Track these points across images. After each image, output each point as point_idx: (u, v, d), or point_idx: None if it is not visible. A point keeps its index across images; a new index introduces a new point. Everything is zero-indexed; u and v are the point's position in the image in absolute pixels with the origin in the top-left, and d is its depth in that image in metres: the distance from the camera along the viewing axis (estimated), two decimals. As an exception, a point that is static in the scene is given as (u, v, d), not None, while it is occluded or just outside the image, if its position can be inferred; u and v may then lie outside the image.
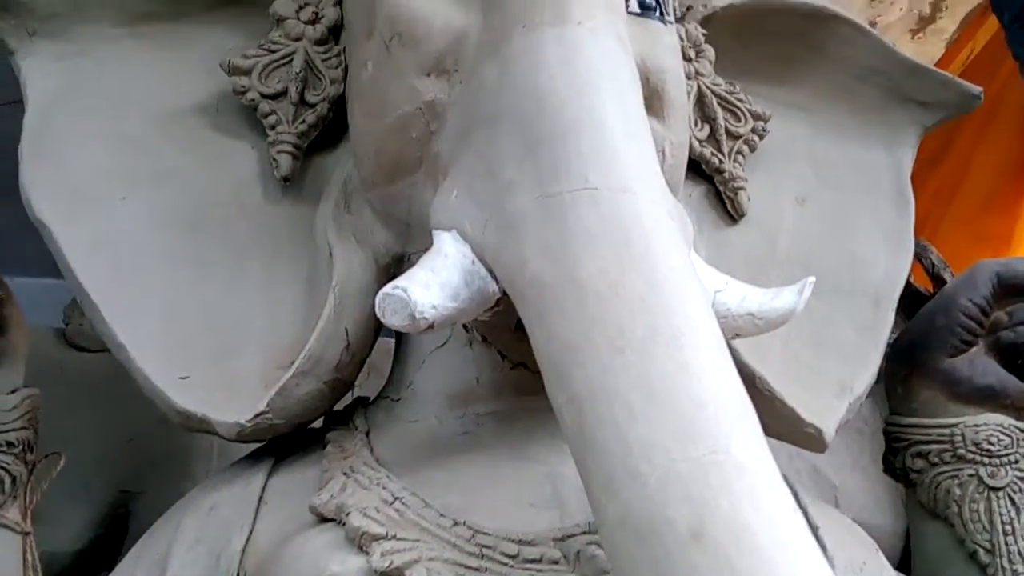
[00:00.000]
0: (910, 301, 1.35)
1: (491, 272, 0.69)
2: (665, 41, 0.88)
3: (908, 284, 1.35)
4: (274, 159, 0.90)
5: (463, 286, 0.69)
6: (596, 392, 0.57)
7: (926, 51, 2.50)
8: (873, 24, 2.42)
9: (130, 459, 1.33)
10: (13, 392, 0.87)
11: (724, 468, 0.53)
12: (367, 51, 0.85)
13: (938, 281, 1.45)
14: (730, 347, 0.84)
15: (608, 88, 0.72)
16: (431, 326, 0.68)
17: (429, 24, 0.80)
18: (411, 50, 0.80)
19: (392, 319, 0.68)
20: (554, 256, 0.63)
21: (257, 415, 0.80)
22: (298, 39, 0.92)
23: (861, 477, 1.39)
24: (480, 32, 0.79)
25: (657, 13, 0.88)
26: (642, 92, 0.80)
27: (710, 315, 0.62)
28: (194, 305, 0.86)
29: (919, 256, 1.45)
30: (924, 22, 2.43)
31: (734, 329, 0.75)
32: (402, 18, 0.81)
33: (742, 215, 1.02)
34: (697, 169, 1.01)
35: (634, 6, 0.86)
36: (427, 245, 0.74)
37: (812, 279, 0.76)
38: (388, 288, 0.68)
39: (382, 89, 0.83)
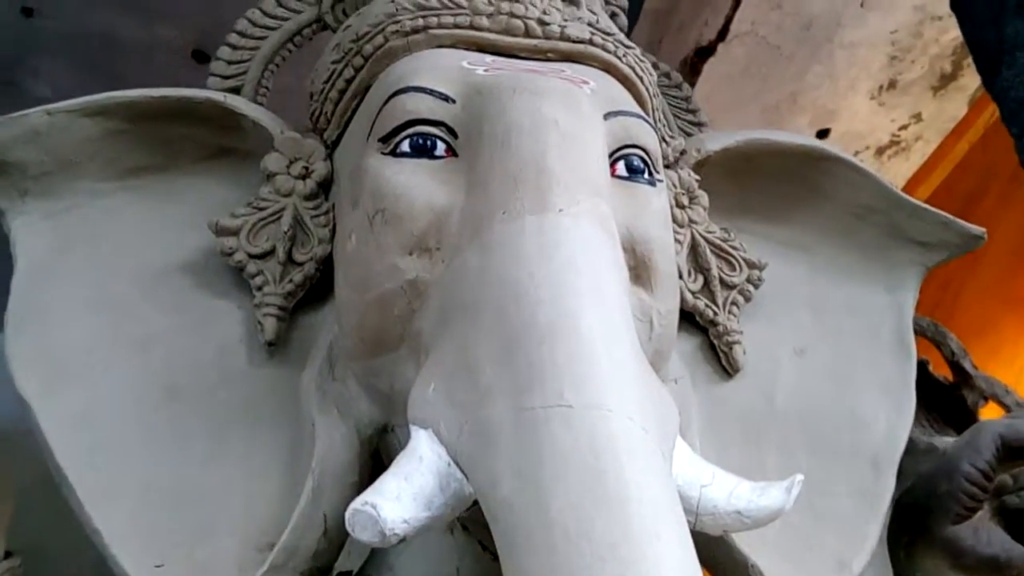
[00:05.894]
0: (928, 390, 1.31)
1: (467, 475, 0.67)
2: (653, 206, 0.86)
3: (927, 373, 1.31)
4: (259, 323, 0.89)
5: (438, 491, 0.67)
6: None
7: (948, 109, 2.47)
8: (894, 83, 2.40)
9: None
10: None
11: None
12: (352, 221, 0.84)
13: (956, 369, 1.39)
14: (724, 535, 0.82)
15: (586, 285, 0.70)
16: (403, 539, 0.66)
17: (412, 202, 0.80)
18: (393, 227, 0.80)
19: (362, 535, 0.66)
20: (526, 480, 0.61)
21: None
22: (288, 195, 0.92)
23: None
24: (462, 212, 0.78)
25: (645, 175, 0.87)
26: (628, 264, 0.79)
27: (685, 554, 0.60)
28: (171, 483, 0.84)
29: (938, 343, 1.40)
30: (946, 80, 2.40)
31: (722, 526, 0.73)
32: (386, 194, 0.81)
33: (737, 370, 0.99)
34: (691, 320, 0.99)
35: (621, 170, 0.85)
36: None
37: (800, 477, 0.73)
38: (358, 503, 0.65)
39: (365, 264, 0.82)
